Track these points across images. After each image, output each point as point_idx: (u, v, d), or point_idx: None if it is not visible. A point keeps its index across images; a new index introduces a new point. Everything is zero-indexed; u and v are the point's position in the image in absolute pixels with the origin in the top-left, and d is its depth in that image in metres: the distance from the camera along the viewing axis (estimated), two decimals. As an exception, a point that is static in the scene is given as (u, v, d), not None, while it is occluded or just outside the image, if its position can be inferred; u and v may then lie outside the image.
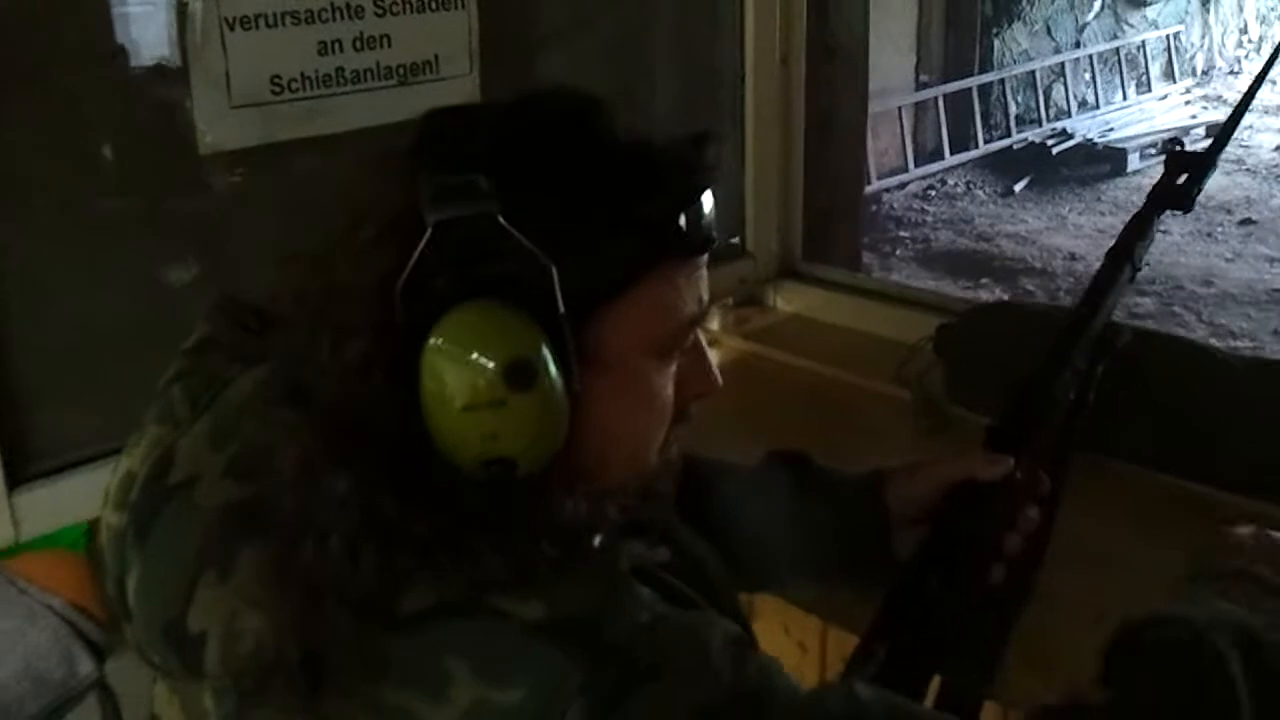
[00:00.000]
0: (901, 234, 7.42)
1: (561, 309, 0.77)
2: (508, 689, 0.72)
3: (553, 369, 0.76)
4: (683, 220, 0.83)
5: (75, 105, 1.34)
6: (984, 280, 6.54)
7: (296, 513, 0.78)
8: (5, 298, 1.34)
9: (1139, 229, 1.30)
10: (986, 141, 8.30)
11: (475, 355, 0.75)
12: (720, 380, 0.93)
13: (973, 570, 1.15)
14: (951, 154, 7.69)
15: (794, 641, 1.53)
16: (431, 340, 0.75)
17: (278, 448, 0.81)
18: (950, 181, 7.94)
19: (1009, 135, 8.48)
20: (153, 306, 1.45)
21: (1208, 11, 10.36)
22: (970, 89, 8.18)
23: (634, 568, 0.83)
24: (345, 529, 0.76)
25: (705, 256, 0.87)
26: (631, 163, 0.82)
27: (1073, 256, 6.81)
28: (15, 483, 1.37)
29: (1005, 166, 8.22)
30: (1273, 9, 11.11)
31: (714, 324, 2.07)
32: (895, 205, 7.83)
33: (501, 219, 0.75)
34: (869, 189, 7.79)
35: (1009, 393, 1.24)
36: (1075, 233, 7.23)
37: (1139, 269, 1.32)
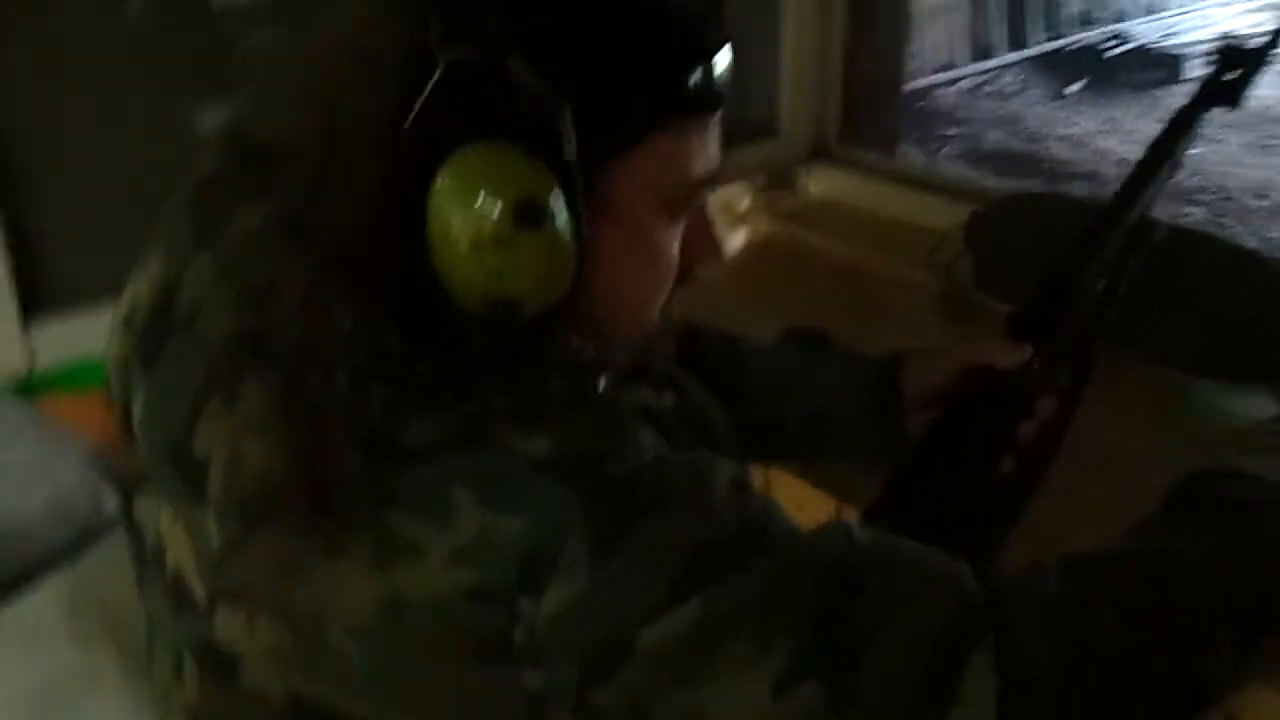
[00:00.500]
0: (950, 131, 7.27)
1: (572, 155, 0.76)
2: (510, 517, 0.73)
3: (561, 212, 0.76)
4: (696, 75, 0.81)
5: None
6: (1033, 182, 6.42)
7: (303, 343, 0.78)
8: (25, 134, 1.35)
9: (1184, 123, 1.27)
10: (1042, 41, 8.08)
11: (483, 193, 0.74)
12: (725, 247, 0.92)
13: (983, 457, 1.14)
14: (1009, 51, 7.48)
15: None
16: (439, 178, 0.75)
17: (283, 280, 0.80)
18: (1003, 80, 7.75)
19: (1065, 35, 8.25)
20: (170, 149, 1.43)
21: (1284, -87, 9.98)
22: (1028, -14, 7.95)
23: (640, 411, 0.84)
24: (352, 362, 0.76)
25: (717, 116, 0.86)
26: (647, 14, 0.81)
27: (1123, 162, 6.62)
28: (31, 314, 1.39)
29: (1061, 68, 8.00)
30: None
31: (743, 203, 2.04)
32: (945, 101, 7.66)
33: (513, 60, 0.74)
34: (919, 84, 7.64)
35: (1035, 280, 1.22)
36: (1127, 138, 7.05)
37: (1180, 165, 1.28)
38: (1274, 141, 6.82)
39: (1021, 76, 7.90)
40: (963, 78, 7.88)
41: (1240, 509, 0.94)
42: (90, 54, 1.36)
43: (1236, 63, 1.26)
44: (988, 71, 8.01)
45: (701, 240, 0.91)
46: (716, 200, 0.93)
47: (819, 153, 2.09)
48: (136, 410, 0.92)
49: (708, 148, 0.86)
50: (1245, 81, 1.26)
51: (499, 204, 0.74)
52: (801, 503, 1.48)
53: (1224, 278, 1.51)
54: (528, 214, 0.75)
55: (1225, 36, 1.31)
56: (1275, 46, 1.27)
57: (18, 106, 1.34)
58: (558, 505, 0.74)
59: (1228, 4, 9.14)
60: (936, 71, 7.68)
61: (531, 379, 0.78)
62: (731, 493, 0.79)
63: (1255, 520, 0.93)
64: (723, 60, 0.83)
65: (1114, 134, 7.12)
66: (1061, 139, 7.07)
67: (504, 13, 0.76)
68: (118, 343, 0.94)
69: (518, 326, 0.78)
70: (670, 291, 0.90)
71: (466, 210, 0.75)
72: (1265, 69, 1.27)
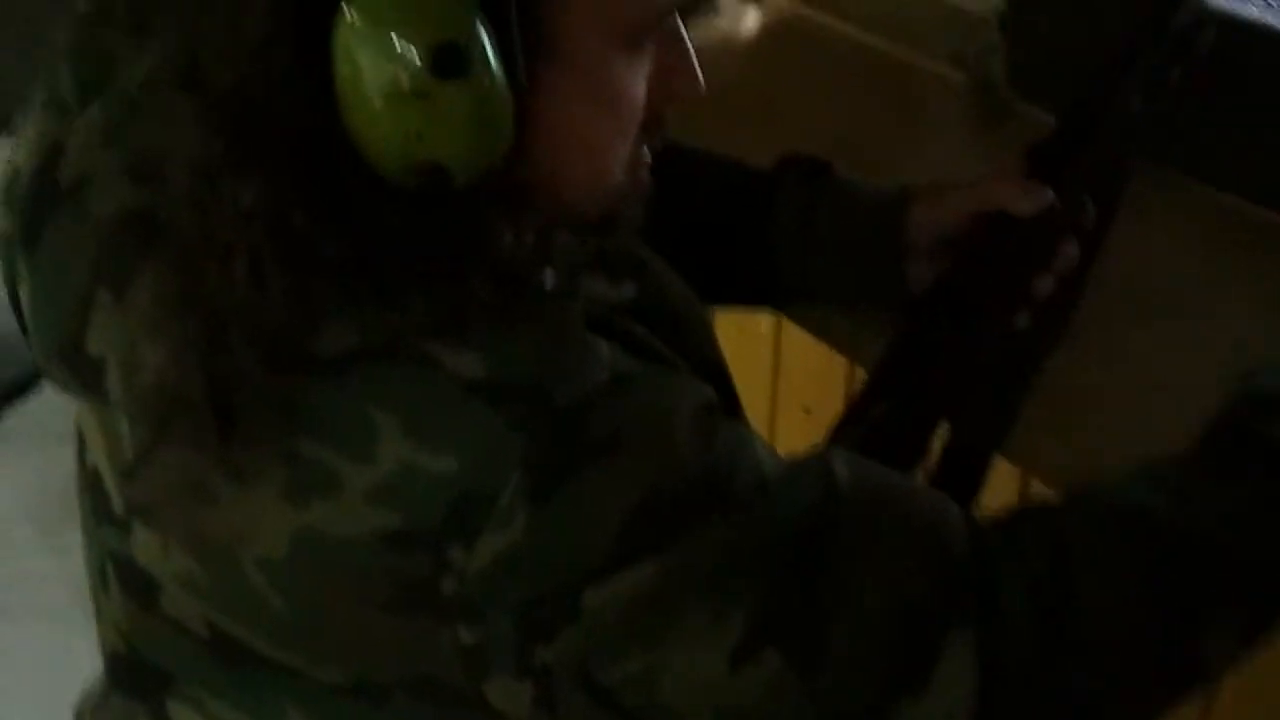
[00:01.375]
0: None
1: None
2: (439, 454, 0.65)
3: (491, 55, 0.64)
4: None
5: None
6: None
7: (195, 224, 0.67)
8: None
9: None
10: None
11: (395, 33, 0.62)
12: (702, 81, 0.78)
13: (995, 312, 1.03)
14: None
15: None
16: (346, 13, 0.62)
17: (173, 144, 0.68)
18: None
19: None
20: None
21: None
22: None
23: (593, 311, 0.74)
24: (249, 246, 0.65)
25: None
26: None
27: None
28: None
29: None
30: None
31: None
32: None
33: None
34: None
35: (1069, 101, 1.06)
36: None
37: None
38: None
39: None
40: None
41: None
42: None
43: None
44: None
45: (676, 73, 0.77)
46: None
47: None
48: (24, 297, 0.82)
49: None
50: None
51: (414, 48, 0.62)
52: (815, 364, 1.40)
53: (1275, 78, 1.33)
54: (449, 59, 0.63)
55: None
56: None
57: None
58: (494, 439, 0.65)
59: None
60: None
61: (460, 275, 0.68)
62: (696, 424, 0.70)
63: None
64: None
65: None
66: None
67: None
68: (1, 220, 0.83)
69: (445, 200, 0.67)
70: (636, 140, 0.77)
71: (377, 55, 0.62)
72: None
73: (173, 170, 0.68)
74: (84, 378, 0.77)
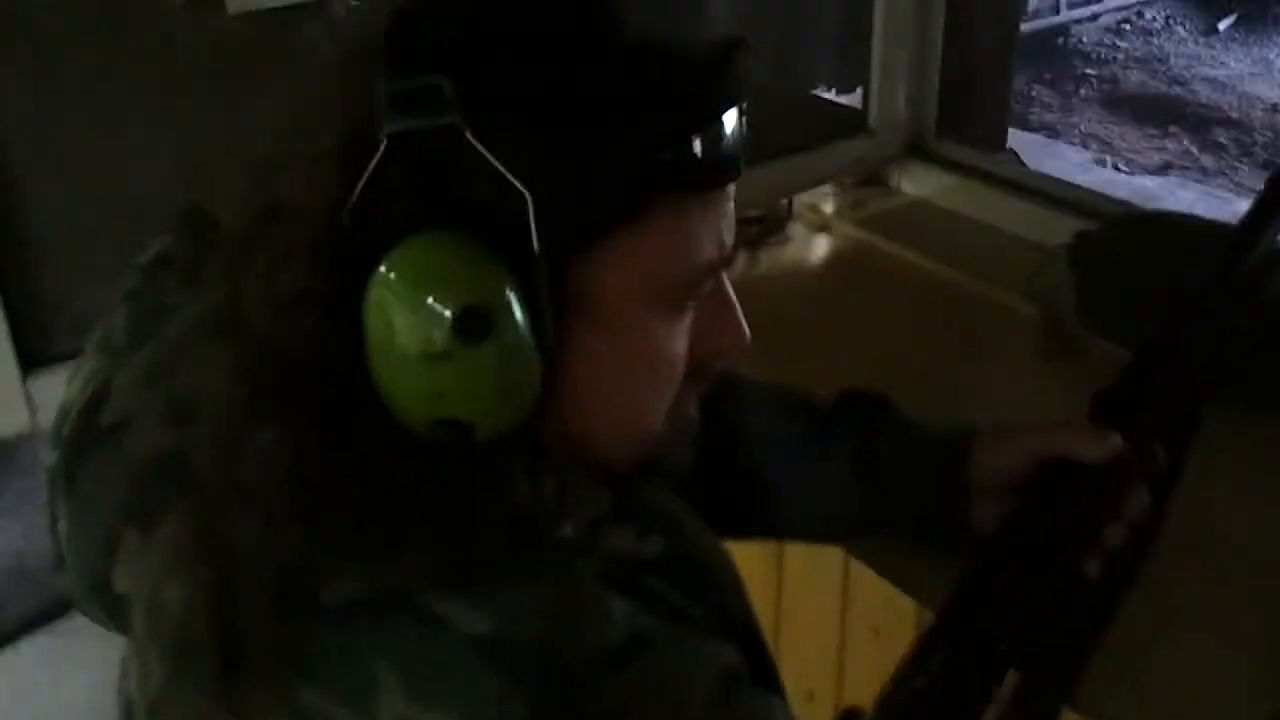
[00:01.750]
0: (1088, 72, 6.95)
1: (536, 245, 0.65)
2: (439, 711, 0.62)
3: (519, 318, 0.65)
4: (697, 144, 0.68)
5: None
6: (1173, 129, 6.10)
7: (218, 469, 0.68)
8: (23, 169, 1.26)
9: None
10: (1195, -30, 7.67)
11: (425, 296, 0.63)
12: (748, 335, 0.78)
13: (1064, 560, 1.00)
14: (1153, -17, 7.16)
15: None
16: (379, 273, 0.64)
17: (207, 390, 0.70)
18: (1148, 15, 7.38)
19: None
20: (176, 183, 1.34)
21: None
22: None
23: (614, 566, 0.71)
24: (267, 492, 0.66)
25: (730, 189, 0.73)
26: (638, 68, 0.68)
27: (1275, 108, 6.30)
28: (31, 367, 1.32)
29: (1211, 1, 7.60)
30: None
31: (827, 207, 1.88)
32: (1084, 39, 7.33)
33: (469, 133, 0.63)
34: (1056, 19, 7.32)
35: (1138, 347, 1.06)
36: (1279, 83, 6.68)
37: None
38: None
39: (1167, 11, 7.51)
40: (1104, 12, 7.53)
41: None
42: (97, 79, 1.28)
43: None
44: (1131, 6, 7.63)
45: (721, 326, 0.77)
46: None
47: (913, 148, 1.90)
48: (61, 532, 0.83)
49: (719, 222, 0.73)
50: None
51: (441, 311, 0.63)
52: (881, 601, 1.37)
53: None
54: (472, 324, 0.63)
55: None
56: None
57: (12, 141, 1.27)
58: (497, 704, 0.62)
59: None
60: (1075, 6, 7.34)
61: (473, 525, 0.67)
62: (715, 695, 0.67)
63: None
64: (732, 122, 0.70)
65: (1264, 77, 6.76)
66: (1207, 80, 6.72)
67: (457, 74, 0.64)
68: (48, 455, 0.85)
69: (463, 453, 0.67)
70: (682, 391, 0.77)
71: (406, 316, 0.64)
72: None
73: (203, 414, 0.69)
74: (113, 614, 0.77)
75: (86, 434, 0.81)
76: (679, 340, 0.74)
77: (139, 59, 1.31)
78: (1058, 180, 1.83)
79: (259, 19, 1.30)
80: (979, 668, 0.95)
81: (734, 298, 0.78)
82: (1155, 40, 7.24)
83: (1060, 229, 1.65)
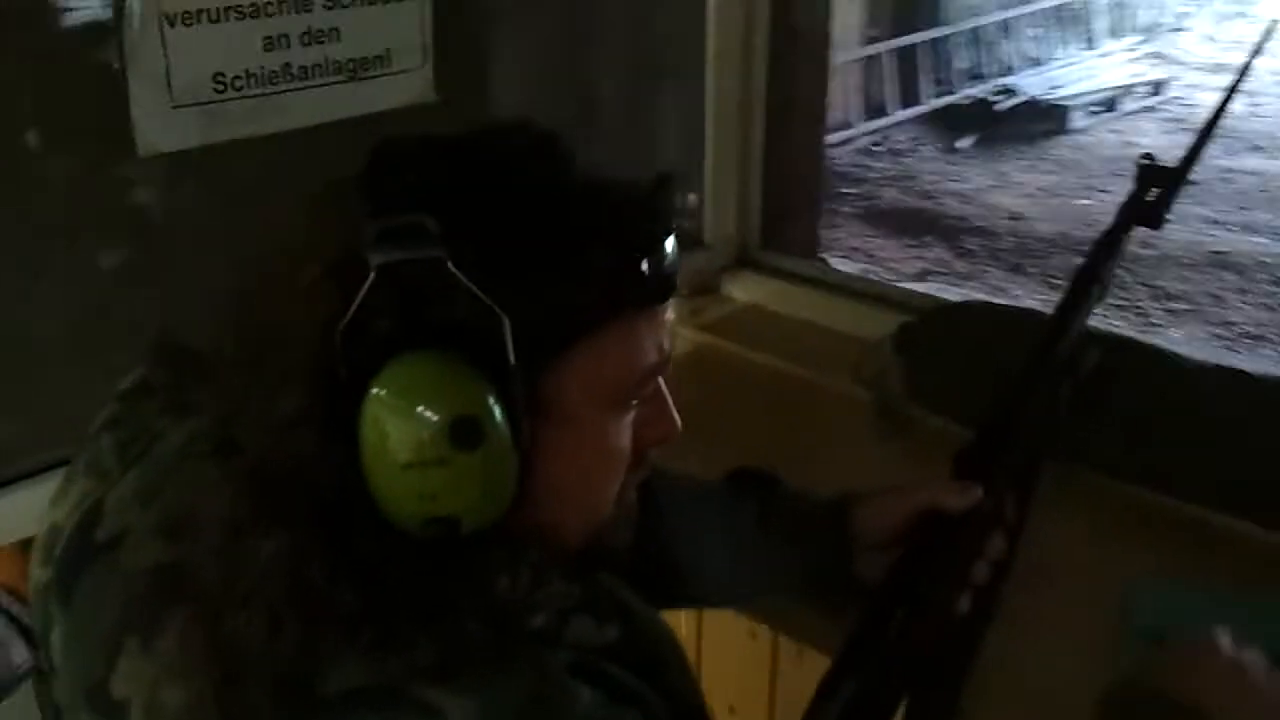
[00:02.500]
0: (846, 191, 7.41)
1: (512, 361, 0.73)
2: None
3: (501, 424, 0.73)
4: (644, 266, 0.79)
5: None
6: (927, 238, 6.57)
7: (220, 578, 0.74)
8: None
9: (1108, 248, 1.28)
10: (933, 97, 8.31)
11: (418, 409, 0.71)
12: (679, 425, 0.89)
13: (940, 600, 1.14)
14: (901, 109, 7.69)
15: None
16: (373, 391, 0.71)
17: (205, 504, 0.76)
18: (896, 137, 7.94)
19: (955, 91, 8.50)
20: (87, 313, 1.40)
21: (1152, -33, 10.41)
22: (917, 44, 8.17)
23: (579, 655, 0.79)
24: (269, 596, 0.72)
25: (668, 303, 0.84)
26: (589, 205, 0.79)
27: (1015, 216, 6.85)
28: None
29: (951, 123, 8.25)
30: (1215, -35, 11.19)
31: (669, 313, 2.02)
32: (841, 161, 7.82)
33: (450, 264, 0.71)
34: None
35: (983, 416, 1.23)
36: (1018, 191, 7.27)
37: (1107, 287, 1.30)
38: (1158, 190, 7.08)
39: (913, 134, 8.10)
40: (857, 137, 8.06)
41: None
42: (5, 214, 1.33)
43: (1156, 183, 1.27)
44: (879, 130, 8.19)
45: (657, 420, 0.88)
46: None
47: (742, 260, 2.09)
48: (55, 643, 0.87)
49: (660, 331, 0.83)
50: (1166, 201, 1.27)
51: (434, 422, 0.71)
52: (736, 665, 1.50)
53: (1148, 389, 1.54)
54: (465, 433, 0.71)
55: (1144, 156, 1.32)
56: (1191, 166, 1.29)
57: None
58: None
59: (1107, 54, 9.49)
60: (830, 132, 7.85)
61: (457, 619, 0.74)
62: None
63: None
64: (670, 247, 0.81)
65: (1004, 188, 7.33)
66: (954, 194, 7.25)
67: (438, 211, 0.73)
68: (38, 571, 0.89)
69: (452, 547, 0.75)
70: (626, 478, 0.87)
71: (400, 428, 0.71)
72: (1184, 187, 1.29)
73: (204, 527, 0.75)
74: (106, 718, 0.81)
75: (82, 550, 0.85)
76: (626, 434, 0.84)
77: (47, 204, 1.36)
78: (870, 280, 2.05)
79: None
80: (877, 697, 1.09)
81: (668, 395, 0.88)
82: (904, 160, 7.78)
83: (877, 322, 1.85)
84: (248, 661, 0.72)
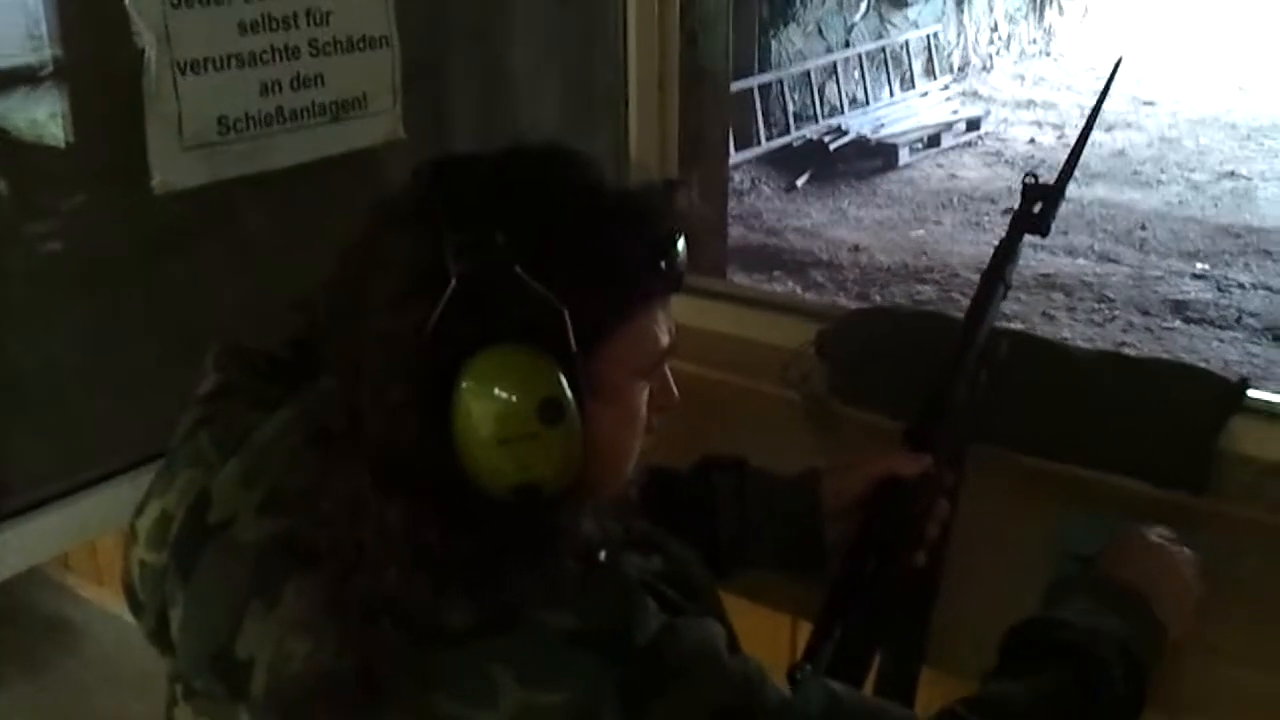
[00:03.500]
0: (695, 230, 7.58)
1: (574, 346, 0.86)
2: (551, 692, 0.82)
3: (571, 401, 0.86)
4: (663, 264, 0.94)
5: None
6: (776, 273, 6.79)
7: (350, 543, 0.86)
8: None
9: (1006, 253, 1.48)
10: (768, 139, 8.60)
11: (508, 394, 0.84)
12: (678, 395, 1.05)
13: (903, 555, 1.32)
14: (736, 151, 7.93)
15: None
16: (464, 383, 0.84)
17: (322, 485, 0.89)
18: (736, 178, 8.19)
19: (789, 132, 8.80)
20: (107, 343, 1.49)
21: (962, 11, 10.99)
22: (751, 88, 8.45)
23: (642, 580, 0.95)
24: (400, 559, 0.85)
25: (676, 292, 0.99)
26: (620, 213, 0.93)
27: (856, 248, 7.13)
28: None
29: (787, 162, 8.53)
30: (1018, 8, 11.88)
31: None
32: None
33: (519, 269, 0.85)
34: (660, 186, 7.96)
35: (921, 400, 1.42)
36: (856, 225, 7.58)
37: (1010, 286, 1.50)
38: (984, 218, 7.51)
39: (752, 174, 8.37)
40: (700, 178, 8.26)
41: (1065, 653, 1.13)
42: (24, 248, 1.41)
43: (1039, 197, 1.47)
44: (721, 171, 8.42)
45: (661, 392, 1.03)
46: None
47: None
48: (174, 619, 0.97)
49: (669, 319, 0.99)
50: (1050, 212, 1.47)
51: (525, 403, 0.84)
52: (756, 623, 1.63)
53: (1042, 373, 1.76)
54: (551, 411, 0.85)
55: (1029, 175, 1.53)
56: (1067, 182, 1.50)
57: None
58: (592, 676, 0.82)
59: (925, 95, 9.98)
60: (676, 174, 8.06)
61: (551, 557, 0.88)
62: (734, 658, 0.90)
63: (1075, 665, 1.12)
64: (680, 243, 0.96)
65: (843, 223, 7.64)
66: (796, 230, 7.52)
67: (503, 224, 0.87)
68: (150, 556, 1.00)
69: (540, 508, 0.88)
70: (639, 445, 1.02)
71: (494, 410, 0.84)
72: (1062, 199, 1.50)
73: (324, 501, 0.88)
74: (229, 680, 0.92)
75: (197, 533, 0.97)
76: (644, 403, 1.00)
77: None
78: (781, 294, 2.22)
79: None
80: (859, 642, 1.25)
81: (669, 373, 1.04)
82: (746, 199, 8.02)
83: (793, 330, 2.03)
84: (385, 610, 0.84)
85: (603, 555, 0.94)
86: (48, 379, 1.45)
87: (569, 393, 0.86)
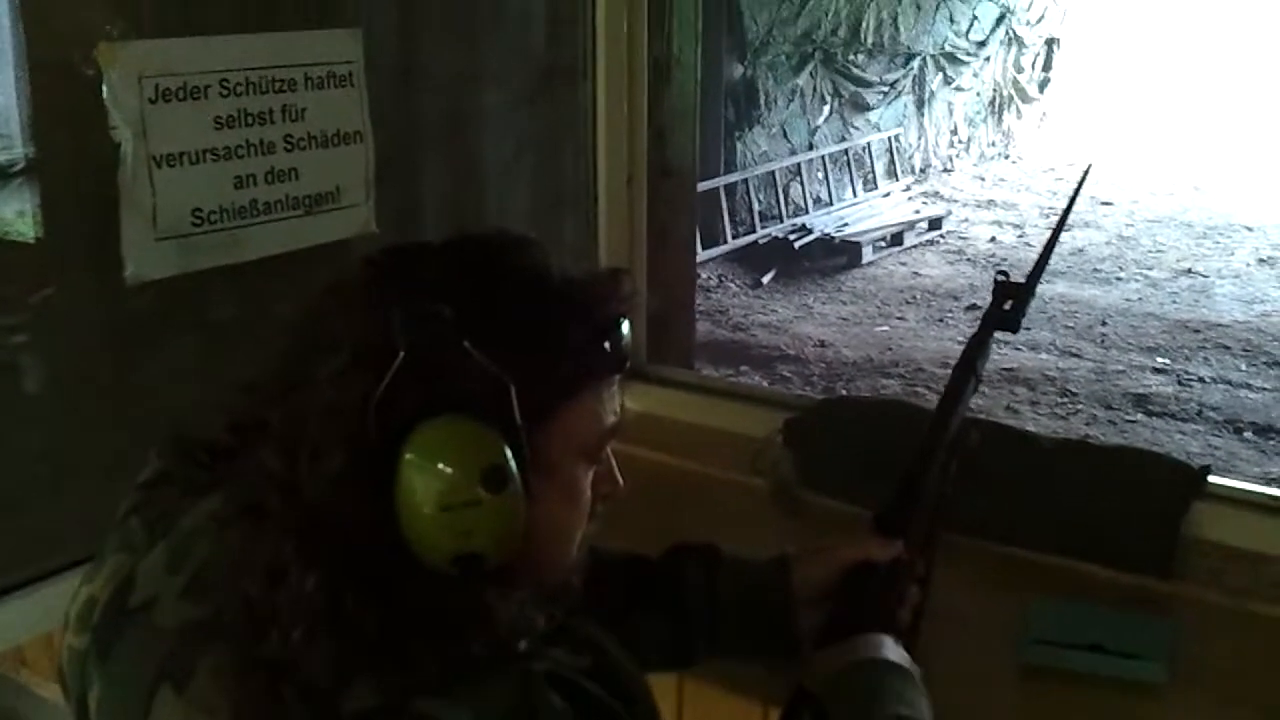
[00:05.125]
0: (662, 327, 7.66)
1: (519, 420, 0.87)
2: None
3: (515, 473, 0.87)
4: (607, 345, 0.95)
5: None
6: (743, 368, 6.85)
7: (262, 609, 0.86)
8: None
9: (977, 348, 1.48)
10: (734, 237, 8.72)
11: (453, 462, 0.85)
12: (623, 483, 1.05)
13: None
14: (703, 249, 8.03)
15: None
16: (408, 454, 0.85)
17: (243, 557, 0.88)
18: (703, 275, 8.28)
19: (754, 230, 8.93)
20: (75, 435, 1.50)
21: (923, 115, 11.24)
22: (718, 188, 8.59)
23: (555, 674, 0.91)
24: (308, 619, 0.84)
25: (621, 374, 0.99)
26: (565, 294, 0.95)
27: (822, 343, 7.21)
28: None
29: (753, 260, 8.65)
30: (978, 112, 12.16)
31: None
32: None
33: (466, 343, 0.86)
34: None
35: (892, 487, 1.40)
36: (821, 321, 7.67)
37: (981, 380, 1.51)
38: (947, 315, 7.62)
39: (719, 271, 8.48)
40: (667, 275, 8.35)
41: None
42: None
43: (1010, 295, 1.48)
44: (688, 268, 8.51)
45: (605, 477, 1.03)
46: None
47: (632, 373, 2.26)
48: (93, 702, 0.97)
49: (615, 399, 1.00)
50: (1020, 310, 1.48)
51: (469, 469, 0.85)
52: (729, 712, 1.63)
53: (1006, 461, 1.79)
54: (495, 478, 0.85)
55: (1000, 273, 1.55)
56: (1038, 280, 1.53)
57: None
58: None
59: (887, 195, 10.17)
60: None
61: (461, 640, 0.87)
62: None
63: None
64: (625, 327, 0.97)
65: (809, 319, 7.73)
66: (763, 325, 7.60)
67: (453, 303, 0.88)
68: (75, 640, 0.99)
69: (466, 582, 0.88)
70: (584, 529, 1.02)
71: (438, 477, 0.84)
72: (1033, 298, 1.52)
73: (241, 577, 0.87)
74: None
75: (118, 616, 0.96)
76: (589, 485, 0.99)
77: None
78: (749, 385, 2.25)
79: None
80: None
81: (613, 458, 1.03)
82: (714, 295, 8.11)
83: (760, 420, 2.05)
84: (285, 671, 0.84)
85: (522, 645, 0.92)
86: (12, 468, 1.45)
87: (513, 464, 0.87)
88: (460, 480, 0.85)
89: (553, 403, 0.93)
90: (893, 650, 1.20)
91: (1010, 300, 1.48)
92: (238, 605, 0.87)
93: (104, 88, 1.41)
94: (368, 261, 0.95)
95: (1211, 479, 1.73)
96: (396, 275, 0.93)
